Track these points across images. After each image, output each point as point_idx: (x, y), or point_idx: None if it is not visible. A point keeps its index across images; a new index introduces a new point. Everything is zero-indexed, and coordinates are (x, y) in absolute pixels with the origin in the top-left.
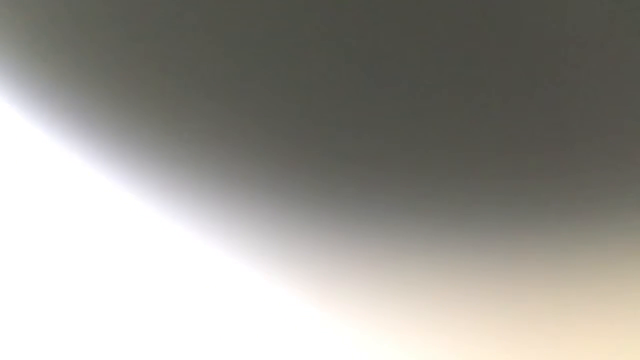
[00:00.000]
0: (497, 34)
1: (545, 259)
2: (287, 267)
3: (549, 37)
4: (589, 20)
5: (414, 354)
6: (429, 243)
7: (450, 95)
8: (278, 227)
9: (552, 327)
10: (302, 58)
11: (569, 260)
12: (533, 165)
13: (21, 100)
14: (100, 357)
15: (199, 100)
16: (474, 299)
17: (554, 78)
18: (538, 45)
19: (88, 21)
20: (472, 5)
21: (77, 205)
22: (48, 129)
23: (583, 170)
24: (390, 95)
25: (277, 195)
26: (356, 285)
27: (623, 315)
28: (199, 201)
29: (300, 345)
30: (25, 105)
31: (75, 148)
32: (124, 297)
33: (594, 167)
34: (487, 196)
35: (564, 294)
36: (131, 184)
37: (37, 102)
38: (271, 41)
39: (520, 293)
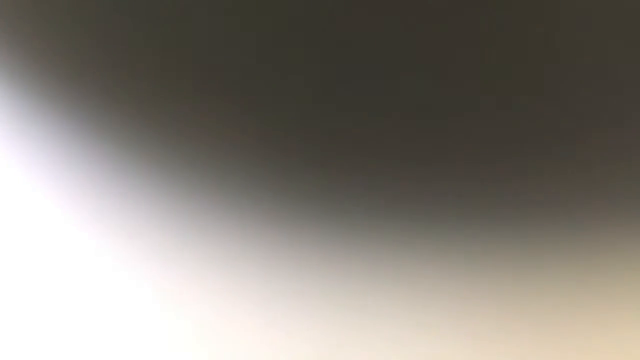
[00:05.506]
0: (496, 35)
1: (547, 259)
2: (288, 266)
3: (547, 37)
4: (588, 20)
5: (416, 353)
6: (430, 243)
7: (450, 96)
8: (279, 227)
9: (553, 328)
10: (303, 58)
11: (571, 260)
12: (534, 165)
13: (21, 101)
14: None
15: (200, 101)
16: (474, 298)
17: (553, 79)
18: (538, 46)
19: (89, 20)
20: (471, 6)
21: (77, 206)
22: (48, 128)
23: (585, 170)
24: (391, 96)
25: (278, 195)
26: (357, 284)
27: (627, 315)
28: (199, 201)
29: (302, 345)
30: (26, 106)
31: (75, 148)
32: (125, 295)
33: (596, 167)
34: (489, 195)
35: (566, 294)
36: (131, 183)
37: (34, 102)
38: (272, 40)
39: (520, 293)
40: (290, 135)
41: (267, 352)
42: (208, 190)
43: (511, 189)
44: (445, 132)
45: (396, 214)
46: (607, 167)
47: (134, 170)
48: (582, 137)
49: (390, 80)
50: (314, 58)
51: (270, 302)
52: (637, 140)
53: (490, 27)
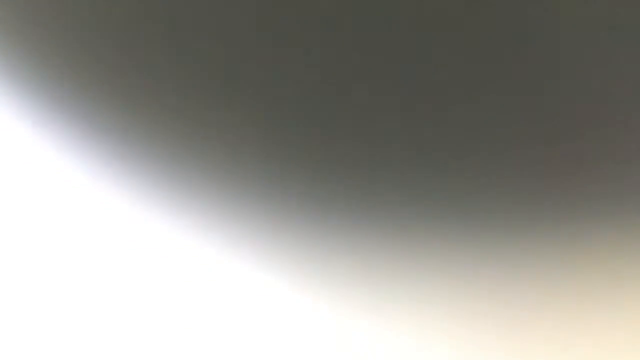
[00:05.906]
0: (495, 34)
1: (546, 258)
2: (286, 269)
3: (547, 36)
4: (587, 20)
5: (413, 354)
6: (428, 244)
7: (449, 96)
8: (277, 227)
9: (553, 328)
10: (302, 58)
11: (571, 260)
12: (532, 165)
13: (23, 102)
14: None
15: (198, 101)
16: (474, 298)
17: (553, 78)
18: (538, 45)
19: (88, 20)
20: (472, 5)
21: (77, 206)
22: (46, 128)
23: (585, 170)
24: (390, 95)
25: (277, 196)
26: (360, 282)
27: (626, 315)
28: (197, 201)
29: (302, 343)
30: (26, 107)
31: (74, 148)
32: (126, 298)
33: (595, 166)
34: (488, 195)
35: (565, 294)
36: (129, 184)
37: (32, 102)
38: (271, 40)
39: (520, 293)
40: (292, 134)
41: (269, 350)
42: (214, 187)
43: (511, 189)
44: (444, 131)
45: (396, 213)
46: (605, 167)
47: (140, 170)
48: (581, 137)
49: (389, 80)
50: (314, 58)
51: (271, 300)
52: (637, 141)
53: (490, 27)
